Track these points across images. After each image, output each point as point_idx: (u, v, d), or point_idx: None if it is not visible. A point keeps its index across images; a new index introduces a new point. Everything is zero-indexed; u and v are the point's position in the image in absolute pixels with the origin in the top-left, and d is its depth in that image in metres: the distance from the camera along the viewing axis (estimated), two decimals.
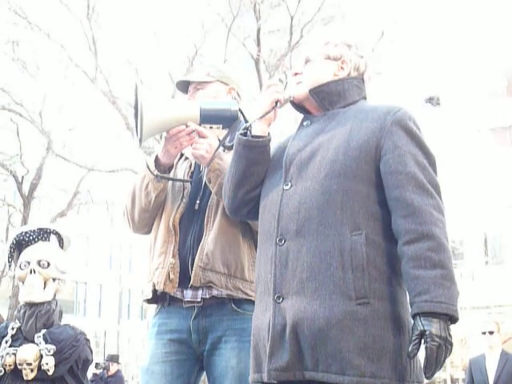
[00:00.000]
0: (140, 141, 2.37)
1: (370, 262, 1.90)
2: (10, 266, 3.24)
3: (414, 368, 1.90)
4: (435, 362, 1.78)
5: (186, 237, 2.46)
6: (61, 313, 3.21)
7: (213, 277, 2.38)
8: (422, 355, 1.85)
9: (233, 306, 2.41)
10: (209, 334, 2.41)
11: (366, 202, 1.96)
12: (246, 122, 2.31)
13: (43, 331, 3.05)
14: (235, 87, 2.68)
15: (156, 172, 2.47)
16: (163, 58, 14.60)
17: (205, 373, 2.48)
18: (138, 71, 14.44)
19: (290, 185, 2.04)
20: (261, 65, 13.83)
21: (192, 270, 2.39)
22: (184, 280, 2.41)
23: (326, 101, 2.14)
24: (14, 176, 15.71)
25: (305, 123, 2.17)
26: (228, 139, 2.44)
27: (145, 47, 15.12)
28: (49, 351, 2.99)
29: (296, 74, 2.20)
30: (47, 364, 2.97)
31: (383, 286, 1.91)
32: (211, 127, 2.43)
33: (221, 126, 2.44)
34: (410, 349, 1.81)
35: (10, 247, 3.22)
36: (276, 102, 2.17)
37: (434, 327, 1.79)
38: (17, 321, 3.14)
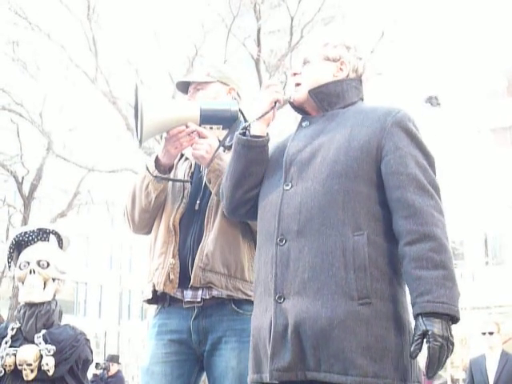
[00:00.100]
0: (140, 141, 2.38)
1: (372, 262, 1.91)
2: (9, 266, 3.24)
3: (414, 368, 1.92)
4: (437, 361, 1.79)
5: (186, 237, 2.46)
6: (61, 313, 3.21)
7: (213, 277, 2.38)
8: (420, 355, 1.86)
9: (233, 306, 2.41)
10: (209, 334, 2.41)
11: (367, 202, 1.97)
12: (246, 122, 2.31)
13: (43, 331, 3.05)
14: (235, 87, 2.67)
15: (156, 172, 2.47)
16: (163, 58, 14.60)
17: (205, 373, 2.48)
18: (138, 72, 14.44)
19: (290, 185, 2.04)
20: (261, 65, 13.83)
21: (192, 270, 2.39)
22: (184, 280, 2.41)
23: (325, 102, 2.15)
24: (14, 176, 15.71)
25: (303, 124, 2.17)
26: (228, 139, 2.44)
27: (145, 48, 15.12)
28: (49, 351, 2.99)
29: (295, 74, 2.21)
30: (47, 364, 2.97)
31: (384, 287, 1.92)
32: (211, 128, 2.43)
33: (221, 126, 2.44)
34: (412, 349, 1.82)
35: (10, 248, 3.22)
36: (275, 102, 2.18)
37: (436, 327, 1.80)
38: (17, 321, 3.14)
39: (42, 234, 3.25)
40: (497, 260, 24.23)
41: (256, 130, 2.17)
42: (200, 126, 2.41)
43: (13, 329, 3.09)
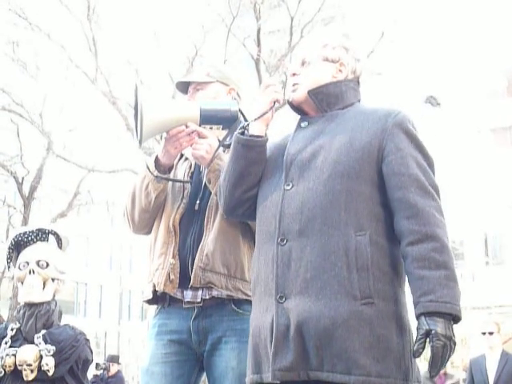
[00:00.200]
0: (140, 141, 2.37)
1: (374, 262, 1.92)
2: (8, 266, 3.24)
3: (415, 368, 1.93)
4: (441, 360, 1.81)
5: (186, 237, 2.46)
6: (60, 313, 3.20)
7: (213, 277, 2.38)
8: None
9: (233, 306, 2.41)
10: (209, 334, 2.41)
11: (369, 202, 1.98)
12: (246, 122, 2.31)
13: (43, 332, 3.05)
14: (235, 88, 2.67)
15: (156, 172, 2.47)
16: (163, 58, 14.60)
17: (205, 373, 2.48)
18: (138, 72, 14.45)
19: (291, 185, 2.05)
20: (261, 65, 13.83)
21: (192, 270, 2.39)
22: (184, 280, 2.41)
23: (324, 102, 2.16)
24: (14, 177, 15.71)
25: (302, 124, 2.18)
26: (228, 139, 2.44)
27: (145, 48, 15.12)
28: (49, 352, 2.99)
29: (294, 74, 2.21)
30: (47, 365, 2.97)
31: (386, 287, 1.93)
32: (211, 128, 2.43)
33: (221, 126, 2.44)
34: (415, 348, 1.83)
35: (9, 248, 3.21)
36: (274, 102, 2.18)
37: (439, 327, 1.81)
38: (16, 322, 3.14)
39: (41, 235, 3.25)
40: (497, 260, 24.24)
41: (255, 129, 2.17)
42: (200, 126, 2.41)
43: (12, 329, 3.09)
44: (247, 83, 2.86)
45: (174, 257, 2.43)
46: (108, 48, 14.65)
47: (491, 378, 6.23)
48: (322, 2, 14.12)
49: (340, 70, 2.19)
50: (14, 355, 2.99)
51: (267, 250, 2.03)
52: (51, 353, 2.99)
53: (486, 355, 6.37)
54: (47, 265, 3.15)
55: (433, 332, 1.81)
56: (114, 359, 11.06)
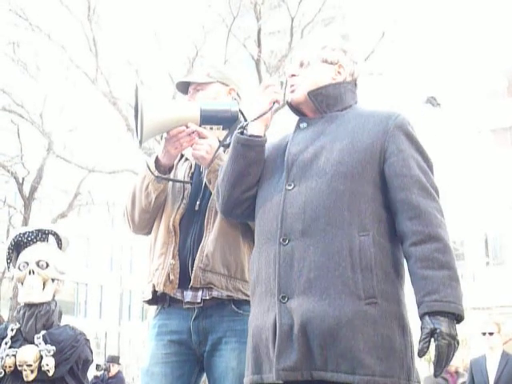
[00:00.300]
0: (140, 142, 2.37)
1: (377, 262, 1.94)
2: (8, 267, 3.24)
3: (415, 367, 1.95)
4: (445, 359, 1.83)
5: (186, 238, 2.46)
6: (60, 313, 3.20)
7: (213, 278, 2.37)
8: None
9: (233, 307, 2.41)
10: (209, 335, 2.41)
11: (371, 203, 2.00)
12: (246, 122, 2.31)
13: (43, 332, 3.05)
14: (235, 88, 2.67)
15: (156, 173, 2.47)
16: (164, 58, 14.60)
17: (205, 374, 2.48)
18: (138, 72, 14.44)
19: (292, 185, 2.05)
20: (261, 66, 13.83)
21: (192, 270, 2.39)
22: (184, 281, 2.41)
23: (323, 103, 2.17)
24: (14, 177, 15.71)
25: (301, 125, 2.18)
26: (228, 139, 2.44)
27: (145, 48, 15.12)
28: (49, 352, 2.99)
29: (292, 75, 2.22)
30: (47, 365, 2.97)
31: (389, 287, 1.95)
32: (211, 128, 2.43)
33: (221, 126, 2.44)
34: (420, 347, 1.85)
35: (9, 248, 3.21)
36: (274, 103, 2.18)
37: (443, 326, 1.84)
38: (16, 322, 3.14)
39: (41, 235, 3.25)
40: (497, 260, 24.22)
41: (254, 129, 2.17)
42: (200, 126, 2.41)
43: (12, 329, 3.09)
44: (247, 84, 2.86)
45: (173, 257, 2.43)
46: (108, 48, 14.66)
47: (491, 378, 6.22)
48: (322, 2, 14.13)
49: (339, 72, 2.20)
50: (14, 356, 2.99)
51: (268, 250, 2.03)
52: (51, 353, 2.99)
53: (487, 356, 6.37)
54: (47, 265, 3.15)
55: (438, 331, 1.83)
56: (114, 360, 11.06)
